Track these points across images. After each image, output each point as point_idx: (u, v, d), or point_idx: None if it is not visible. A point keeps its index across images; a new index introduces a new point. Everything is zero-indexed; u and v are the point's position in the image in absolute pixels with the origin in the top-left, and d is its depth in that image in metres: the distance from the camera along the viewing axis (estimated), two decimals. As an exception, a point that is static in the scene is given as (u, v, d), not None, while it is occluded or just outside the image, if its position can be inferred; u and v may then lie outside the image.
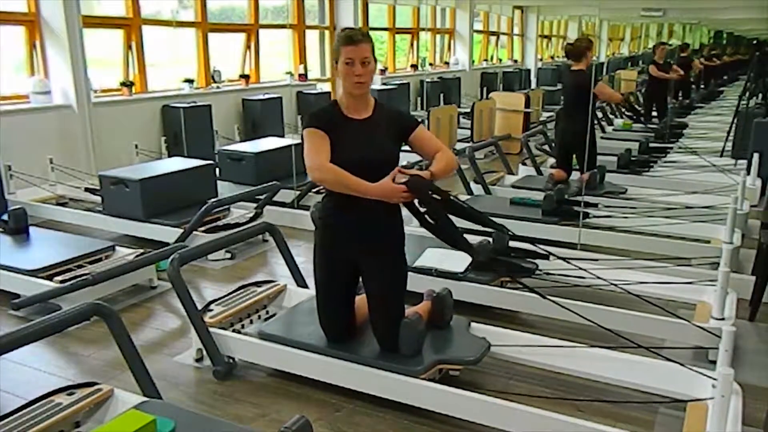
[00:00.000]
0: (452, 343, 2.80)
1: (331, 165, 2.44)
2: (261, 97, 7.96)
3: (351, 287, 2.76)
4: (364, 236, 2.60)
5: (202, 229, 4.44)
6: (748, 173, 5.60)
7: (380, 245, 2.62)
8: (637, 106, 9.80)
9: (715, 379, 2.13)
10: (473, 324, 2.96)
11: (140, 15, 6.88)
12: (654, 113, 9.52)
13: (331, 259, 2.69)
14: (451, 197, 2.55)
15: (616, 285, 3.43)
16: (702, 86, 13.46)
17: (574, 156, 5.62)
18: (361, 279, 2.72)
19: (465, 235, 2.77)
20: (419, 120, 2.56)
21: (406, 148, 2.65)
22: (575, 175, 5.69)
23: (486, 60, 14.59)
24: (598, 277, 3.46)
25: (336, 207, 2.61)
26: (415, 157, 3.15)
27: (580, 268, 3.33)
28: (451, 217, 2.63)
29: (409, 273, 2.81)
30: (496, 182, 5.96)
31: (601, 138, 7.91)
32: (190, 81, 7.40)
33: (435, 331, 2.84)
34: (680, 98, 11.45)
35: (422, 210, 2.58)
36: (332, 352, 2.72)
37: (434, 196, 2.55)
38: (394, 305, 2.69)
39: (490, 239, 3.72)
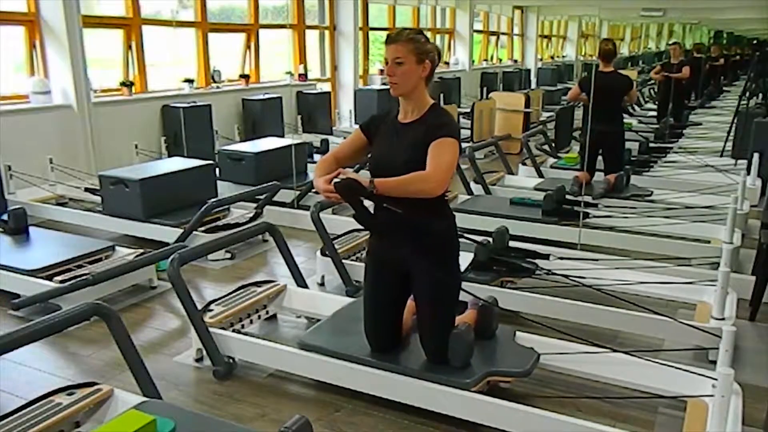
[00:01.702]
0: (500, 354, 2.73)
1: (323, 157, 2.67)
2: (261, 97, 7.95)
3: (396, 295, 2.66)
4: (398, 241, 2.52)
5: (202, 229, 4.44)
6: (748, 173, 5.61)
7: (417, 250, 2.49)
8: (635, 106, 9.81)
9: (715, 379, 2.12)
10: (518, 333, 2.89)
11: (140, 15, 6.87)
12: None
13: (373, 262, 2.68)
14: (385, 205, 2.43)
15: (616, 285, 3.44)
16: (710, 85, 13.43)
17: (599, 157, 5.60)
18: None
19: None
20: (449, 137, 2.39)
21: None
22: (599, 176, 5.67)
23: (486, 60, 14.58)
24: (598, 278, 3.47)
25: (375, 210, 2.57)
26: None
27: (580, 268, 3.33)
28: None
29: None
30: (496, 182, 5.96)
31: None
32: (190, 81, 7.39)
33: (481, 341, 2.73)
34: (693, 98, 11.43)
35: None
36: (377, 363, 2.62)
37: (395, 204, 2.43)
38: (441, 315, 2.58)
39: (490, 239, 3.72)
